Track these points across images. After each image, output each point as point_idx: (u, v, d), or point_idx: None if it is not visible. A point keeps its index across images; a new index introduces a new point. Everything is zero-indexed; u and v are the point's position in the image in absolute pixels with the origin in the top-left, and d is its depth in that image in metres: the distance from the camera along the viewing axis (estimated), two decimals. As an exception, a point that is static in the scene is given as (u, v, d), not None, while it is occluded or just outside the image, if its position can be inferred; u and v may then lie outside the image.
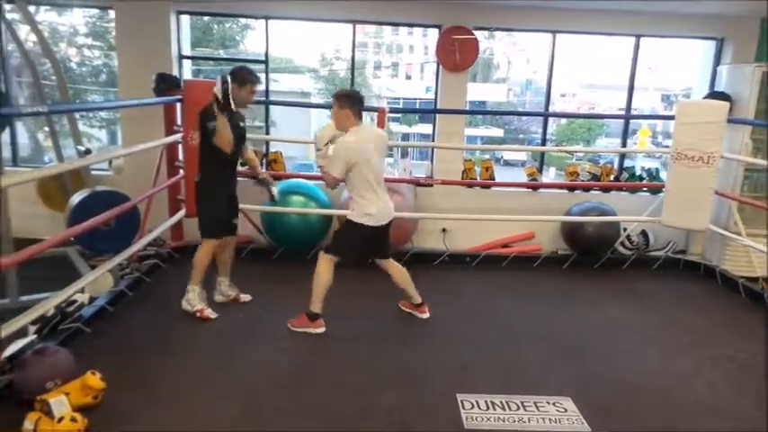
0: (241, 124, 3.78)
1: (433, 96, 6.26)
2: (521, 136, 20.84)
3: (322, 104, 10.70)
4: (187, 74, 5.79)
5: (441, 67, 5.67)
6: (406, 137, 17.88)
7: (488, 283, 4.96)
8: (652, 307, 4.52)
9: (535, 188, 5.90)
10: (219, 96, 3.40)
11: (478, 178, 5.78)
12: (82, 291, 3.61)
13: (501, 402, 2.91)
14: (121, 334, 3.56)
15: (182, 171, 4.97)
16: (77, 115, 4.69)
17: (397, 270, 3.89)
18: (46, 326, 3.25)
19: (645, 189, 5.91)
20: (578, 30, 5.88)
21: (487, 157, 6.24)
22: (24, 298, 3.78)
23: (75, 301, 3.58)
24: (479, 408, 2.86)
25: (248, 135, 4.00)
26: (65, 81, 4.25)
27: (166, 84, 4.90)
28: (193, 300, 3.80)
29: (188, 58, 5.74)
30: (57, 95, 5.64)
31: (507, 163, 18.70)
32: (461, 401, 2.90)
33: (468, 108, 6.73)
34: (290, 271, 4.73)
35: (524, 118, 20.52)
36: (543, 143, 6.41)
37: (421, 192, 5.57)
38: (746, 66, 5.34)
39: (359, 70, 5.83)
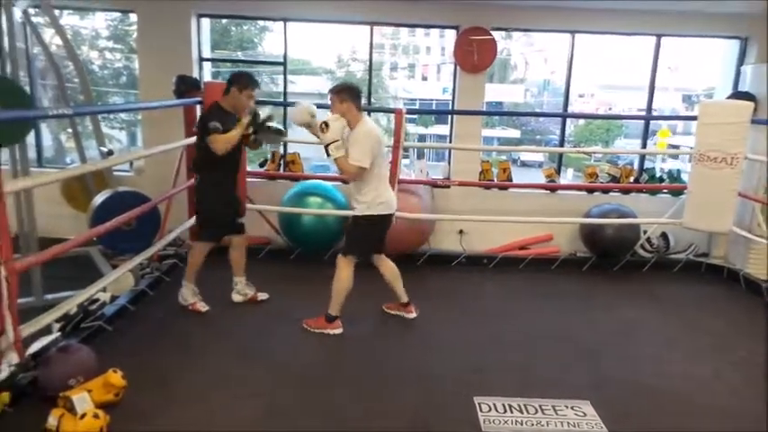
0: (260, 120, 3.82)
1: (449, 97, 6.24)
2: (538, 137, 20.67)
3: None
4: (207, 76, 5.86)
5: (458, 67, 5.65)
6: (422, 138, 17.84)
7: (506, 286, 4.93)
8: (672, 310, 4.46)
9: (553, 189, 5.85)
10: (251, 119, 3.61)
11: (496, 179, 5.75)
12: (104, 290, 3.66)
13: (519, 405, 2.89)
14: (142, 333, 3.62)
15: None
16: (100, 117, 4.77)
17: (388, 266, 3.88)
18: (69, 324, 3.31)
19: (665, 191, 5.82)
20: (598, 30, 5.82)
21: (504, 158, 6.20)
22: (49, 296, 3.86)
23: (97, 300, 3.63)
24: (497, 411, 2.85)
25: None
26: (88, 83, 4.32)
27: (186, 86, 4.96)
28: (186, 294, 3.96)
29: (208, 60, 5.80)
30: (79, 98, 5.76)
31: (524, 164, 18.56)
32: (479, 404, 2.89)
33: (485, 109, 6.68)
34: (308, 271, 4.77)
35: (541, 119, 20.35)
36: (562, 144, 6.35)
37: (438, 193, 5.56)
38: (771, 65, 5.23)
39: (375, 71, 5.83)
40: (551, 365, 3.42)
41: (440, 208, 5.51)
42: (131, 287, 4.10)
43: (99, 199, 4.31)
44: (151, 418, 2.67)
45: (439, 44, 21.73)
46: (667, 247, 5.63)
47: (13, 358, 2.57)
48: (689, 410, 2.96)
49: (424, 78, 22.67)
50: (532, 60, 20.49)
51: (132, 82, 11.20)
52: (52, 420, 2.46)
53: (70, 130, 5.08)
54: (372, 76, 6.10)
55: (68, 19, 9.97)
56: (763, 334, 3.99)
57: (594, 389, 3.10)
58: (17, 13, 4.04)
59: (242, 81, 3.69)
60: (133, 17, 5.76)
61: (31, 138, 4.65)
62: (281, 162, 5.77)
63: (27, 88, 4.53)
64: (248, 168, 5.14)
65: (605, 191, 5.79)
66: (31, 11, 4.34)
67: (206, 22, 5.83)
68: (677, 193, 5.63)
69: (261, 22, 11.95)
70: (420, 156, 12.60)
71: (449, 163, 5.98)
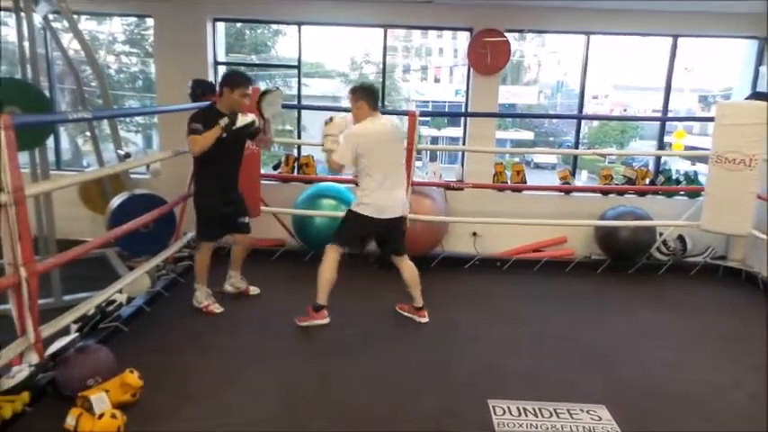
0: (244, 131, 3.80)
1: (461, 99, 6.24)
2: (551, 139, 20.56)
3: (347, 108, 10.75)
4: (221, 79, 5.90)
5: (471, 69, 5.64)
6: (435, 140, 17.84)
7: (519, 288, 4.91)
8: (689, 314, 4.40)
9: (568, 192, 5.81)
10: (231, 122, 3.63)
11: (509, 182, 5.72)
12: (120, 291, 3.71)
13: (533, 409, 2.88)
14: (158, 333, 3.66)
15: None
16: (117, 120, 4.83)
17: (408, 269, 3.92)
18: (87, 324, 3.36)
19: (682, 193, 5.75)
20: (613, 31, 5.78)
21: (518, 160, 6.18)
22: (67, 297, 3.92)
23: (114, 301, 3.68)
24: (511, 414, 2.83)
25: (280, 139, 4.06)
26: (107, 87, 4.39)
27: (203, 89, 4.99)
28: (200, 297, 4.01)
29: (223, 64, 5.85)
30: (96, 101, 5.84)
31: (537, 166, 18.46)
32: (493, 407, 2.88)
33: (498, 111, 6.66)
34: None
35: (555, 120, 20.24)
36: (576, 146, 6.31)
37: (451, 195, 5.55)
38: (791, 65, 5.16)
39: (388, 74, 5.83)
40: (566, 369, 3.39)
41: (453, 210, 5.50)
42: (147, 289, 4.15)
43: (116, 201, 4.36)
44: (167, 417, 2.70)
45: (451, 46, 21.72)
46: (684, 250, 5.56)
47: (33, 358, 2.61)
48: (707, 415, 2.92)
49: (437, 80, 22.67)
50: (545, 62, 20.40)
51: (148, 86, 11.35)
52: (71, 420, 2.50)
53: (88, 134, 5.15)
54: (386, 78, 6.11)
55: (86, 24, 10.12)
56: (783, 338, 3.93)
57: (610, 393, 3.07)
58: (37, 19, 4.11)
59: (232, 81, 3.74)
60: (150, 22, 5.84)
61: (50, 141, 4.72)
62: (295, 165, 5.80)
63: (47, 92, 4.61)
64: (262, 171, 5.17)
65: (620, 193, 5.74)
66: (51, 16, 4.41)
67: (221, 26, 5.89)
68: (694, 194, 5.56)
69: (275, 26, 12.04)
70: (433, 158, 12.58)
71: (462, 165, 5.97)
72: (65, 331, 3.04)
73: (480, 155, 5.73)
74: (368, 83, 3.85)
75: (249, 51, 12.85)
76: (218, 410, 2.79)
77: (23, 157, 4.11)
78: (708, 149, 4.71)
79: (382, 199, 3.61)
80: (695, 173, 5.96)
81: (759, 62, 5.62)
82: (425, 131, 17.11)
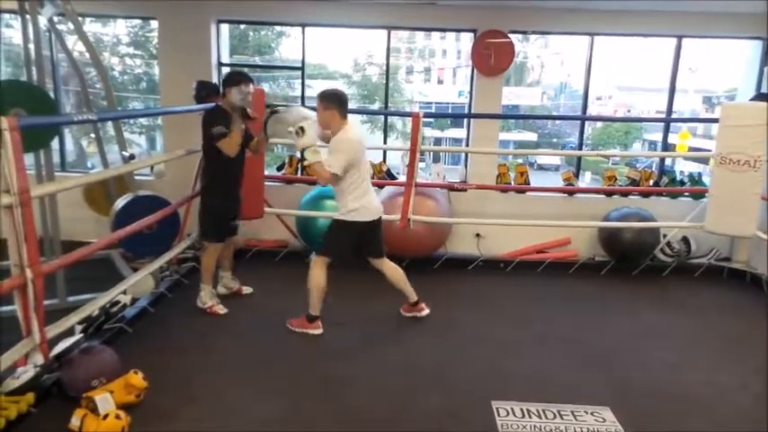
0: (243, 127, 3.89)
1: (465, 100, 6.24)
2: (554, 140, 20.52)
3: (355, 110, 10.79)
4: (225, 81, 5.92)
5: (475, 70, 5.65)
6: (438, 141, 17.84)
7: (523, 289, 4.90)
8: (694, 316, 4.39)
9: (572, 193, 5.81)
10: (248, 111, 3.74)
11: (513, 183, 5.72)
12: (124, 292, 3.72)
13: (537, 410, 2.87)
14: (162, 334, 3.66)
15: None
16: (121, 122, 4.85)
17: (391, 269, 3.88)
18: (91, 325, 3.37)
19: (686, 194, 5.74)
20: (617, 32, 5.78)
21: (521, 161, 6.17)
22: (71, 298, 3.93)
23: (118, 302, 3.69)
24: (515, 415, 2.83)
25: (283, 141, 4.08)
26: (111, 89, 4.40)
27: (207, 91, 5.01)
28: (204, 297, 4.02)
29: (226, 65, 5.86)
30: (101, 103, 5.86)
31: (541, 167, 18.44)
32: (496, 408, 2.88)
33: (501, 112, 6.66)
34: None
35: (558, 122, 20.21)
36: (580, 147, 6.30)
37: (455, 196, 5.55)
38: (795, 66, 5.14)
39: (391, 75, 5.86)
40: (570, 370, 3.38)
41: (457, 211, 5.49)
42: (151, 290, 4.16)
43: (120, 203, 4.38)
44: (171, 418, 2.71)
45: (455, 47, 21.71)
46: (688, 252, 5.55)
47: (39, 359, 2.62)
48: (711, 417, 2.91)
49: (440, 82, 22.65)
50: (548, 63, 20.37)
51: (152, 87, 11.39)
52: (75, 420, 2.51)
53: (92, 135, 5.17)
54: (389, 79, 6.11)
55: (90, 26, 10.17)
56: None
57: (614, 394, 3.07)
58: (42, 21, 4.14)
59: (233, 80, 3.82)
60: (154, 24, 5.86)
61: (54, 143, 4.75)
62: (299, 166, 5.82)
63: (51, 94, 4.63)
64: (266, 172, 5.18)
65: (624, 194, 5.73)
66: (56, 18, 4.43)
67: (225, 27, 5.91)
68: (699, 196, 5.55)
69: (278, 28, 12.07)
70: (436, 159, 12.57)
71: (465, 166, 5.97)
72: (69, 332, 3.05)
73: (484, 156, 5.73)
74: (339, 90, 3.66)
75: (253, 53, 12.88)
76: (221, 412, 2.79)
77: (28, 159, 4.13)
78: (708, 150, 4.70)
79: (369, 201, 3.61)
80: (699, 174, 5.95)
81: (764, 63, 5.60)
82: (428, 133, 17.10)
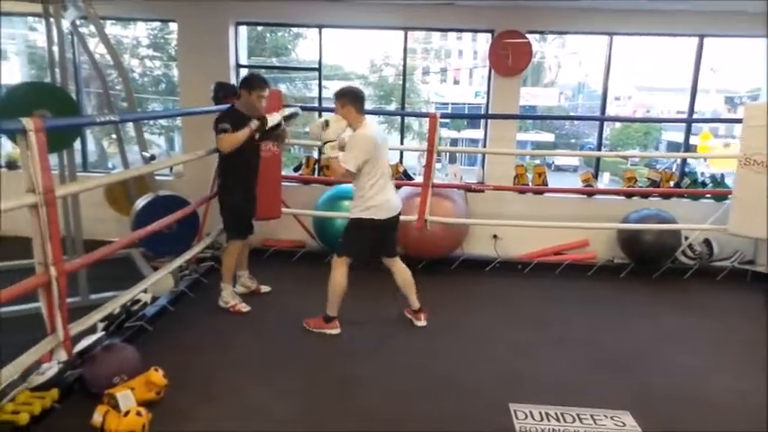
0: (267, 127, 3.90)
1: (481, 101, 6.21)
2: (572, 140, 20.30)
3: (372, 111, 10.79)
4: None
5: (493, 71, 5.62)
6: (454, 142, 17.78)
7: (541, 291, 4.86)
8: (716, 320, 4.31)
9: (590, 194, 5.75)
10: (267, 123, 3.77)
11: (530, 184, 5.67)
12: (145, 291, 3.77)
13: (556, 414, 2.85)
14: (181, 332, 3.71)
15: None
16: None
17: (401, 271, 3.86)
18: (113, 323, 3.42)
19: (708, 195, 5.64)
20: (637, 31, 5.70)
21: (538, 162, 6.13)
22: (93, 296, 3.99)
23: (139, 301, 3.74)
24: (533, 418, 2.80)
25: (301, 141, 4.10)
26: (132, 91, 4.46)
27: (224, 92, 5.06)
28: (226, 297, 4.05)
29: (244, 67, 5.91)
30: (121, 104, 5.95)
31: (558, 168, 18.25)
32: (514, 411, 2.86)
33: (518, 113, 6.61)
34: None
35: (576, 122, 19.98)
36: (599, 148, 6.22)
37: (472, 197, 5.53)
38: (822, 65, 5.02)
39: (408, 76, 5.85)
40: (589, 373, 3.35)
41: (473, 212, 5.47)
42: (171, 288, 4.20)
43: (141, 203, 4.44)
44: (190, 416, 2.74)
45: (471, 48, 21.61)
46: (711, 254, 5.45)
47: (62, 356, 2.66)
48: (734, 423, 2.86)
49: (456, 82, 22.56)
50: (566, 63, 20.15)
51: (171, 89, 11.53)
52: (97, 417, 2.54)
53: (113, 136, 5.25)
54: (405, 80, 6.11)
55: (111, 29, 10.34)
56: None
57: (634, 398, 3.03)
58: (65, 24, 4.21)
59: (250, 83, 3.86)
60: (173, 26, 5.93)
61: (76, 143, 4.83)
62: (316, 167, 5.84)
63: (74, 96, 4.70)
64: (283, 173, 5.21)
65: (644, 195, 5.65)
66: (78, 21, 4.51)
67: (243, 29, 5.96)
68: (721, 197, 5.45)
69: (295, 29, 12.14)
70: (452, 160, 12.51)
71: (482, 167, 5.94)
72: (92, 330, 3.10)
73: (501, 157, 5.69)
74: (355, 87, 3.70)
75: (270, 54, 12.97)
76: (239, 411, 2.81)
77: (52, 159, 4.21)
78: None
79: (386, 200, 3.60)
80: (722, 175, 5.84)
81: (788, 62, 5.49)
82: (445, 133, 17.04)
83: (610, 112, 7.93)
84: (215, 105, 5.13)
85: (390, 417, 2.80)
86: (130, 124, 5.21)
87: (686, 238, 5.37)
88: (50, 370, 2.62)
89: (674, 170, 6.01)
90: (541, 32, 5.88)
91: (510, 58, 5.45)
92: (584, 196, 5.75)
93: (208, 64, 5.60)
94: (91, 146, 9.39)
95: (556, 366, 3.43)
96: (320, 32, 5.74)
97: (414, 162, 7.58)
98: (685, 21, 5.35)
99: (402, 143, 6.34)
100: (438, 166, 5.57)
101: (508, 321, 4.12)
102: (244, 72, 6.00)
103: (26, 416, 2.43)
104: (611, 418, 2.83)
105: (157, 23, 10.50)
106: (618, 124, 18.91)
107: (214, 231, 4.73)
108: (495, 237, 5.67)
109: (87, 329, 2.99)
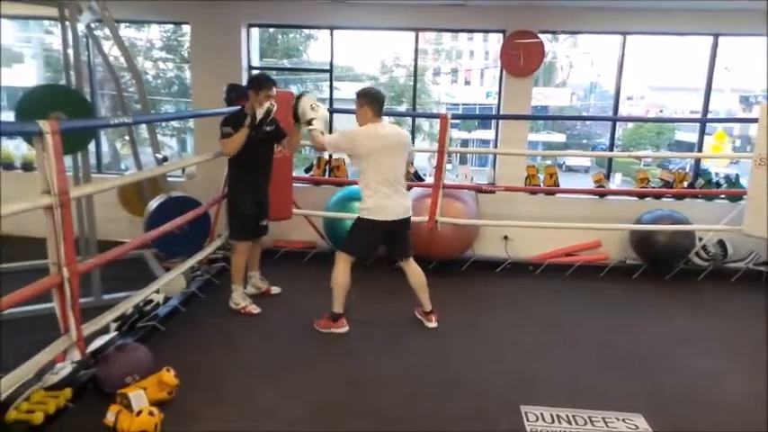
0: (267, 128, 3.92)
1: (492, 102, 6.19)
2: (584, 141, 20.15)
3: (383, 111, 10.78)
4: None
5: (504, 71, 5.59)
6: (465, 143, 17.71)
7: (552, 293, 4.83)
8: (730, 322, 4.26)
9: (602, 195, 5.70)
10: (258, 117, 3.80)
11: (542, 185, 5.64)
12: (157, 291, 3.80)
13: (567, 416, 2.83)
14: (193, 333, 3.73)
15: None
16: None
17: (414, 272, 3.88)
18: (125, 323, 3.45)
19: (723, 196, 5.57)
20: (651, 31, 5.65)
21: (550, 162, 6.09)
22: (106, 297, 4.04)
23: (151, 301, 3.78)
24: (544, 420, 2.79)
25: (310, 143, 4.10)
26: (145, 93, 4.51)
27: (236, 93, 5.09)
28: (237, 298, 4.07)
29: (256, 68, 5.94)
30: (134, 106, 6.01)
31: (570, 169, 18.12)
32: (525, 413, 2.84)
33: (530, 113, 6.58)
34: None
35: (588, 122, 19.83)
36: (611, 148, 6.18)
37: (483, 198, 5.51)
38: (840, 64, 4.94)
39: (419, 76, 5.85)
40: (600, 375, 3.32)
41: (484, 213, 5.45)
42: (183, 289, 4.24)
43: (153, 204, 4.48)
44: (201, 416, 2.75)
45: (483, 48, 21.55)
46: (725, 256, 5.38)
47: (76, 355, 2.70)
48: (746, 427, 2.82)
49: (467, 83, 22.50)
50: (578, 63, 20.01)
51: (183, 91, 11.61)
52: (110, 416, 2.56)
53: (127, 138, 5.30)
54: (416, 81, 6.11)
55: (124, 31, 10.44)
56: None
57: (647, 401, 3.00)
58: (80, 27, 4.26)
59: (256, 83, 3.87)
60: (186, 28, 5.98)
61: (91, 145, 4.89)
62: (327, 168, 5.86)
63: (88, 98, 4.76)
64: (294, 174, 5.23)
65: (657, 196, 5.60)
66: (93, 24, 4.57)
67: (255, 31, 5.99)
68: (736, 198, 5.38)
69: (306, 31, 12.18)
70: (463, 161, 12.49)
71: (494, 168, 5.92)
72: (105, 330, 3.13)
73: (512, 158, 5.67)
74: (375, 89, 3.78)
75: (281, 56, 13.03)
76: (250, 412, 2.82)
77: (66, 161, 4.26)
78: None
79: (383, 203, 3.61)
80: (737, 175, 5.76)
81: (805, 61, 5.40)
82: (456, 134, 16.99)
83: (622, 111, 7.85)
84: (227, 107, 5.17)
85: (400, 418, 2.80)
86: (144, 126, 5.26)
87: (700, 239, 5.31)
88: (64, 369, 2.65)
89: (687, 170, 5.95)
90: (553, 32, 5.84)
91: (522, 59, 5.43)
92: (597, 197, 5.71)
93: (220, 66, 5.64)
94: (104, 147, 9.49)
95: (567, 368, 3.40)
96: (332, 34, 5.76)
97: (424, 163, 7.56)
98: (700, 19, 5.29)
99: (413, 144, 6.32)
100: (449, 166, 5.55)
101: (519, 322, 4.11)
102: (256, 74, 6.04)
103: (41, 415, 2.47)
104: (624, 420, 2.81)
105: (170, 26, 10.59)
106: (630, 124, 18.72)
107: (225, 232, 4.76)
108: (506, 238, 5.65)
109: (100, 329, 3.03)
